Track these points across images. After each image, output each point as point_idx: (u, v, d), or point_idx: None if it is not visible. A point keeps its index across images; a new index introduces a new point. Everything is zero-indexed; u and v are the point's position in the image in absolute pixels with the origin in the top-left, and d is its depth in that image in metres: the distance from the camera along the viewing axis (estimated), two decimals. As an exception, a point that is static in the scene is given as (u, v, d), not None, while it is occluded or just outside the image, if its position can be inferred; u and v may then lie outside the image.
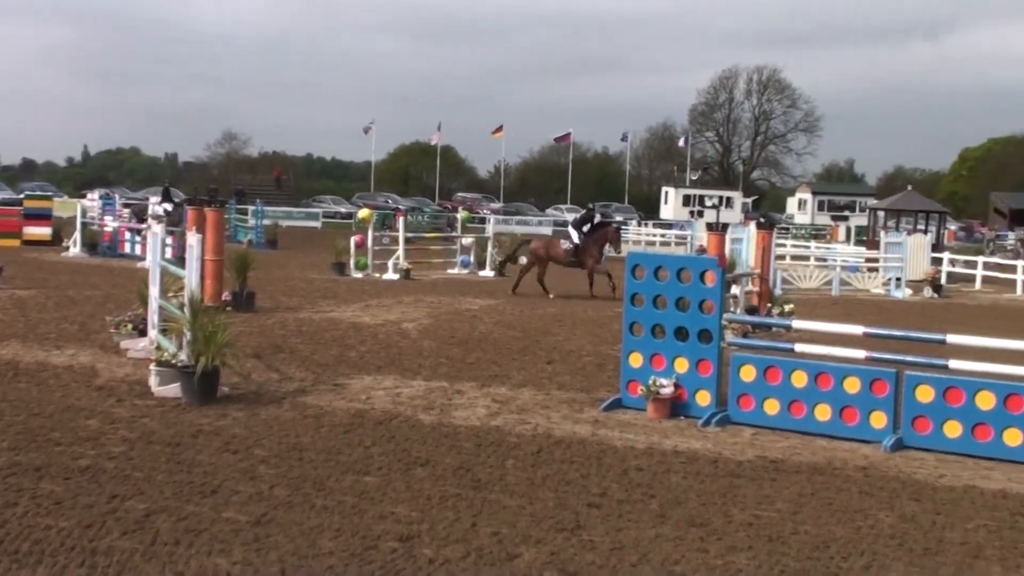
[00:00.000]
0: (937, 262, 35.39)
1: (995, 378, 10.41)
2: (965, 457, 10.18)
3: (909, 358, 11.11)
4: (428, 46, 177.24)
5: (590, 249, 25.68)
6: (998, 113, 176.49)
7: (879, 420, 10.67)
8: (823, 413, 10.94)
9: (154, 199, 41.22)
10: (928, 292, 30.94)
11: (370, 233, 30.17)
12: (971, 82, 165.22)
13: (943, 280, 33.61)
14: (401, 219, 32.69)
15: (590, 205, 29.30)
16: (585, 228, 26.17)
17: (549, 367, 14.64)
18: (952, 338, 11.15)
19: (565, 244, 26.24)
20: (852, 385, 10.81)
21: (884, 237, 35.09)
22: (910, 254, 32.49)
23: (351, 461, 9.13)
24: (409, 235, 31.69)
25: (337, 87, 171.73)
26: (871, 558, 7.17)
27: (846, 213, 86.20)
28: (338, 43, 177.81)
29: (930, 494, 8.93)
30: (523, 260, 27.35)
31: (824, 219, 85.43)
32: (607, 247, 25.88)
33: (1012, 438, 10.03)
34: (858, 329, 11.80)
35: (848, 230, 64.07)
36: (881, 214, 46.39)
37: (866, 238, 46.87)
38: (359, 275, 29.00)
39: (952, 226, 71.03)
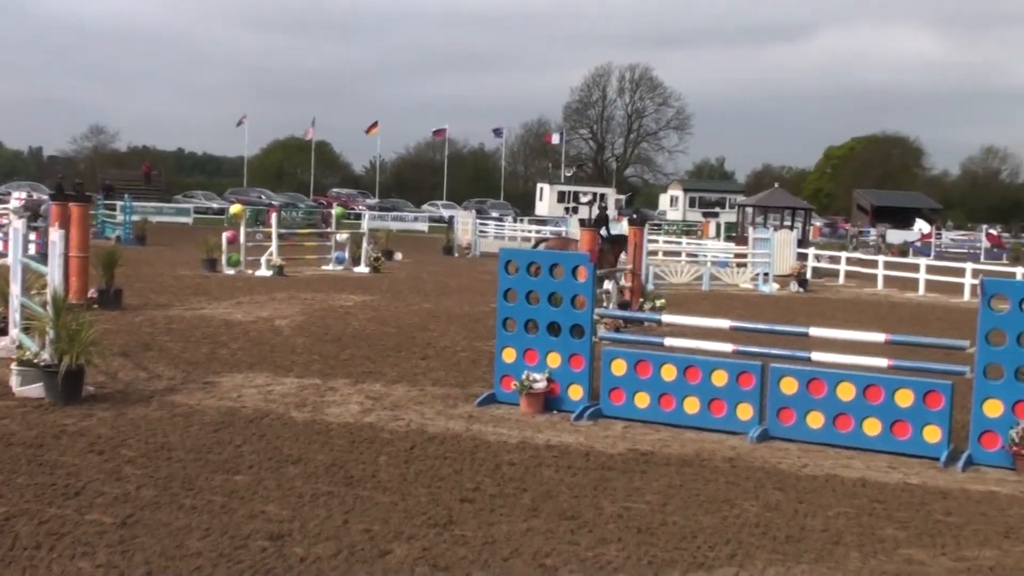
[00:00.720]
0: (803, 257, 36.37)
1: (855, 370, 10.77)
2: (827, 447, 10.49)
3: (774, 351, 11.41)
4: (302, 40, 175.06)
5: (607, 255, 23.74)
6: (861, 113, 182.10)
7: (746, 412, 10.94)
8: (692, 406, 11.16)
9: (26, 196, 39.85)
10: (794, 287, 31.76)
11: (242, 229, 29.69)
12: (835, 83, 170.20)
13: (808, 275, 34.56)
14: (274, 215, 32.26)
15: (603, 205, 28.59)
16: (603, 232, 24.46)
17: (424, 363, 14.62)
18: (815, 331, 11.50)
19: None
20: (720, 378, 11.05)
21: (752, 233, 35.92)
22: (777, 250, 33.30)
23: (221, 460, 8.99)
24: (282, 231, 31.26)
25: (208, 81, 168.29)
26: (736, 547, 7.34)
27: (716, 210, 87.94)
28: (209, 36, 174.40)
29: (793, 483, 9.19)
30: None
31: (695, 216, 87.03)
32: (623, 256, 24.32)
33: (871, 428, 10.38)
34: (725, 323, 12.06)
35: (718, 226, 65.40)
36: (749, 211, 47.47)
37: (735, 234, 47.91)
38: (231, 272, 28.52)
39: (817, 222, 73.00)
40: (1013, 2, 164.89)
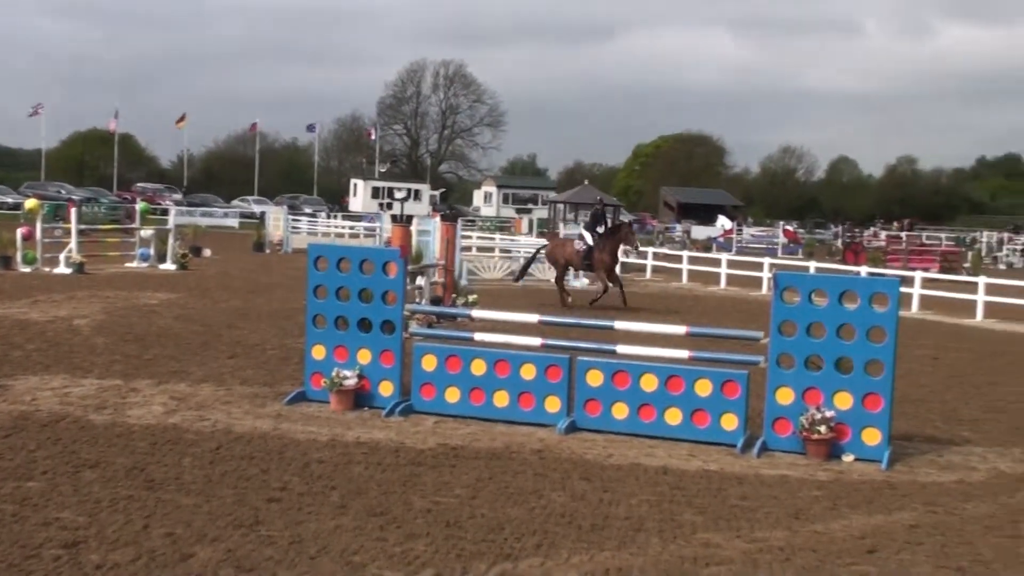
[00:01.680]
0: (612, 253, 37.25)
1: (658, 361, 11.10)
2: (632, 437, 10.78)
3: (581, 344, 11.64)
4: (105, 29, 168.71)
5: (604, 252, 23.42)
6: (668, 112, 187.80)
7: (554, 404, 11.14)
8: (502, 399, 11.29)
9: None
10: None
11: (39, 224, 28.45)
12: (643, 82, 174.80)
13: (618, 270, 35.42)
14: (74, 210, 30.99)
15: (599, 199, 27.43)
16: (600, 229, 24.15)
17: (231, 361, 14.33)
18: (620, 324, 11.80)
19: (579, 245, 24.23)
20: (528, 371, 11.22)
21: (563, 229, 36.55)
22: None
23: (13, 467, 8.61)
24: (83, 227, 30.10)
25: (1, 69, 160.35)
26: (543, 537, 7.47)
27: (529, 206, 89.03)
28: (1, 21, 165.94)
29: (599, 473, 9.41)
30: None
31: (509, 212, 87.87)
32: (622, 250, 23.91)
33: (673, 417, 10.72)
34: (534, 317, 12.26)
35: (531, 222, 66.23)
36: (561, 207, 48.25)
37: (547, 230, 48.61)
38: (27, 269, 27.30)
39: (626, 218, 74.88)
40: (808, 10, 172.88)
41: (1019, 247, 59.56)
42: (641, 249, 41.96)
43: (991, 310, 25.87)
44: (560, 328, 12.82)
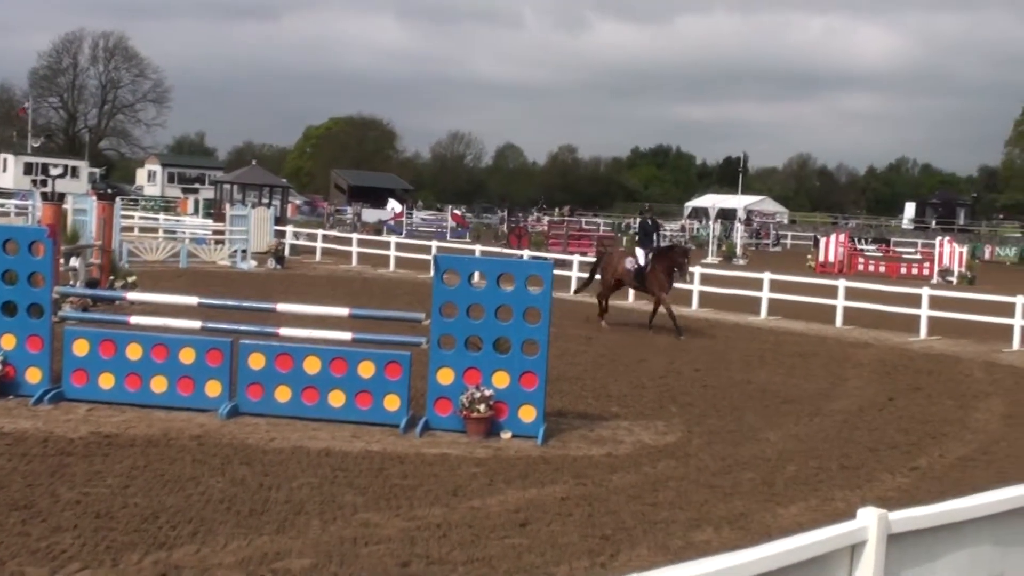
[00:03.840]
0: (280, 235, 36.70)
1: (321, 343, 11.08)
2: (295, 420, 10.71)
3: (243, 327, 11.43)
4: None
5: (657, 274, 20.44)
6: (339, 95, 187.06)
7: (214, 389, 10.88)
8: (160, 385, 10.92)
9: None
10: (272, 263, 31.99)
11: None
12: (313, 63, 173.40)
13: (287, 252, 34.97)
14: None
15: (646, 207, 23.72)
16: (649, 243, 21.22)
17: None
18: (282, 306, 11.70)
19: (630, 263, 21.11)
20: (188, 356, 10.90)
21: (230, 210, 35.67)
22: (255, 227, 33.32)
23: None
24: None
25: None
26: (199, 524, 7.30)
27: (196, 186, 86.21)
28: None
29: (260, 457, 9.29)
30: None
31: (175, 191, 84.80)
32: (676, 273, 20.48)
33: (336, 399, 10.73)
34: (194, 300, 11.91)
35: (197, 203, 64.18)
36: (228, 187, 47.02)
37: (213, 211, 47.30)
38: None
39: (296, 200, 73.99)
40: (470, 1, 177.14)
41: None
42: (312, 231, 41.70)
43: (640, 292, 27.46)
44: (222, 311, 12.50)
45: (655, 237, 21.40)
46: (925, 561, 4.45)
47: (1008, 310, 21.51)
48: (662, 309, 20.46)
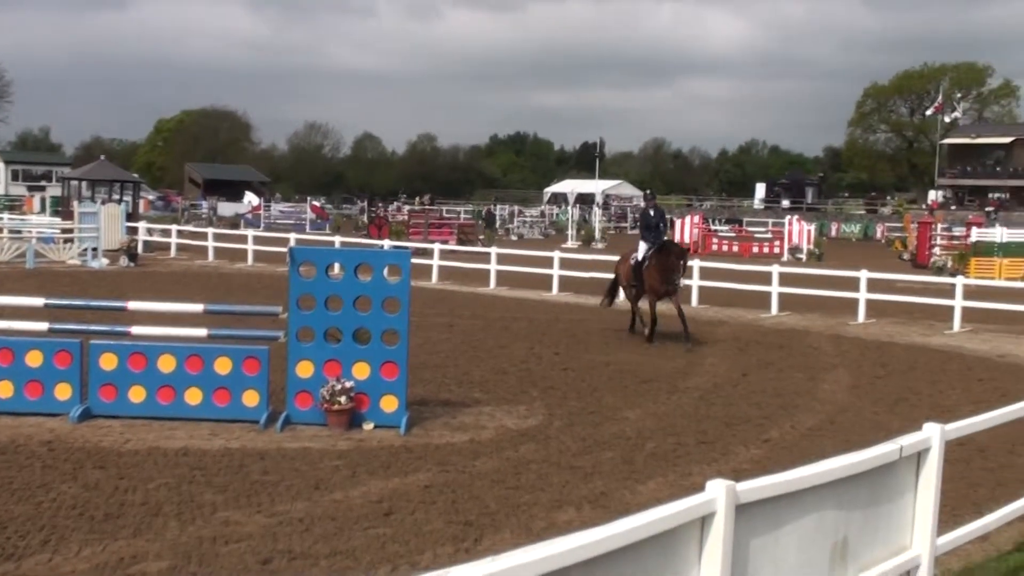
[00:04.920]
0: (133, 231, 35.76)
1: (175, 341, 10.84)
2: (151, 420, 10.46)
3: (93, 327, 11.11)
4: None
5: (652, 273, 17.65)
6: (191, 86, 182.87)
7: (64, 392, 10.55)
8: (6, 390, 10.54)
9: None
10: (125, 261, 31.12)
11: None
12: (161, 55, 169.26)
13: (140, 249, 34.10)
14: None
15: (647, 192, 20.72)
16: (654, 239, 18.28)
17: None
18: (134, 304, 11.39)
19: (633, 258, 18.55)
20: (35, 359, 10.54)
21: (79, 207, 34.60)
22: (105, 224, 32.36)
23: None
24: None
25: None
26: (51, 531, 7.09)
27: (43, 183, 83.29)
28: None
29: (115, 460, 9.06)
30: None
31: (20, 189, 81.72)
32: (672, 276, 17.38)
33: (193, 397, 10.52)
34: (39, 301, 11.52)
35: (43, 200, 62.00)
36: (76, 184, 45.59)
37: (61, 208, 45.78)
38: None
39: (149, 196, 72.09)
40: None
41: (528, 220, 64.05)
42: (165, 227, 40.70)
43: (503, 278, 27.65)
44: (70, 311, 12.13)
45: (661, 228, 18.45)
46: (772, 529, 4.61)
47: (853, 284, 22.31)
48: (673, 311, 17.72)
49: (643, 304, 18.37)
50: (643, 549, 3.93)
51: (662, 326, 17.73)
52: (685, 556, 4.19)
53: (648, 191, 21.54)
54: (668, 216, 19.71)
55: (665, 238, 18.50)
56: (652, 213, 18.59)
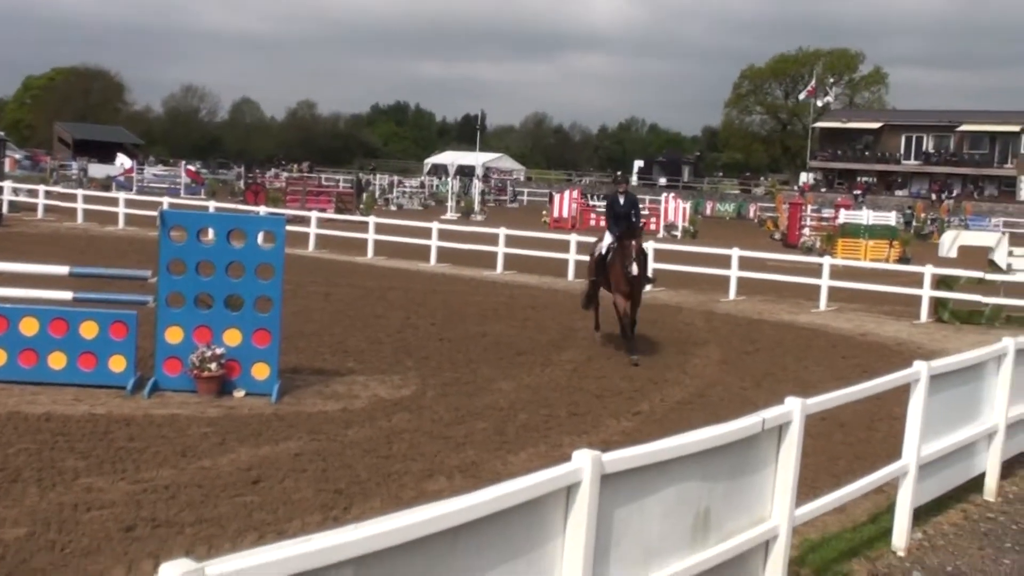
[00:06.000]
0: (0, 191, 34.59)
1: (39, 303, 10.52)
2: (12, 384, 10.15)
3: (-49, 288, 10.72)
4: None
5: (615, 269, 14.63)
6: (61, 44, 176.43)
7: (-81, 355, 10.16)
8: None
9: None
10: (-12, 221, 30.15)
11: None
12: (25, 9, 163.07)
13: (5, 209, 33.00)
14: None
15: (618, 175, 17.10)
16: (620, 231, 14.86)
17: None
18: (-4, 266, 11.01)
19: (597, 250, 15.59)
20: None
21: None
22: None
23: None
24: None
25: None
26: (-99, 498, 6.84)
27: (-100, 138, 79.80)
28: None
29: (-28, 425, 8.77)
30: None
31: None
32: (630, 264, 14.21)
33: (57, 362, 10.24)
34: None
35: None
36: (-64, 139, 43.82)
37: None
38: None
39: (16, 155, 69.61)
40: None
41: (407, 190, 63.70)
42: (33, 187, 39.34)
43: (381, 248, 27.48)
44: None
45: (633, 219, 15.18)
46: (637, 499, 4.69)
47: (725, 262, 22.78)
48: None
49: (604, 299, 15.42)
50: (509, 518, 3.96)
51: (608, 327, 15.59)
52: (551, 525, 4.24)
53: (619, 173, 18.63)
54: (640, 203, 16.67)
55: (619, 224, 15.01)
56: (622, 200, 15.34)
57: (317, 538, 3.24)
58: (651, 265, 14.71)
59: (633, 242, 14.34)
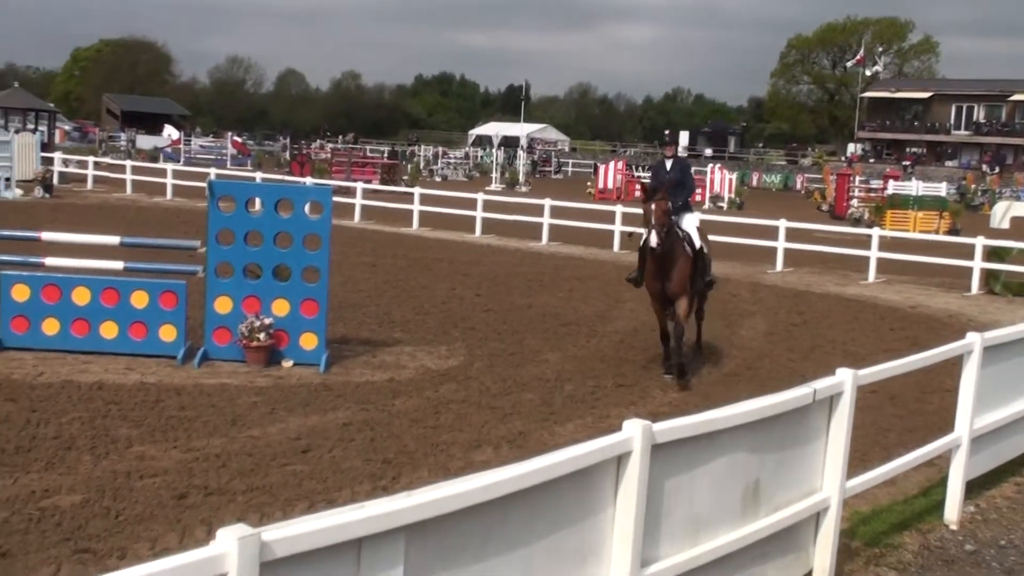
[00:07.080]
0: (48, 162, 34.93)
1: (91, 273, 10.64)
2: (65, 353, 10.29)
3: (5, 257, 10.85)
4: None
5: (649, 267, 11.27)
6: (109, 16, 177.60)
7: (-26, 323, 10.32)
8: (-87, 320, 10.28)
9: None
10: (40, 192, 30.43)
11: None
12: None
13: (55, 180, 33.34)
14: None
15: (667, 135, 13.04)
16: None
17: None
18: (47, 235, 11.11)
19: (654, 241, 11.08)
20: (-57, 289, 10.28)
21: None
22: (19, 153, 31.56)
23: None
24: None
25: None
26: (-40, 464, 6.96)
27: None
28: None
29: (27, 392, 8.90)
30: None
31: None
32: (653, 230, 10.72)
33: (108, 331, 10.35)
34: (-51, 230, 11.21)
35: (-46, 128, 60.20)
36: (-11, 112, 44.41)
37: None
38: None
39: (65, 126, 70.41)
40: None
41: (452, 161, 63.69)
42: (82, 158, 39.72)
43: (426, 219, 27.53)
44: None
45: (686, 188, 12.02)
46: (687, 469, 4.68)
47: (772, 233, 22.60)
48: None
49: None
50: (560, 487, 3.97)
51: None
52: (601, 495, 4.24)
53: (667, 132, 14.84)
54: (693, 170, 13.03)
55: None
56: (669, 166, 11.86)
57: (370, 505, 3.25)
58: (696, 239, 11.51)
59: (655, 204, 10.68)
